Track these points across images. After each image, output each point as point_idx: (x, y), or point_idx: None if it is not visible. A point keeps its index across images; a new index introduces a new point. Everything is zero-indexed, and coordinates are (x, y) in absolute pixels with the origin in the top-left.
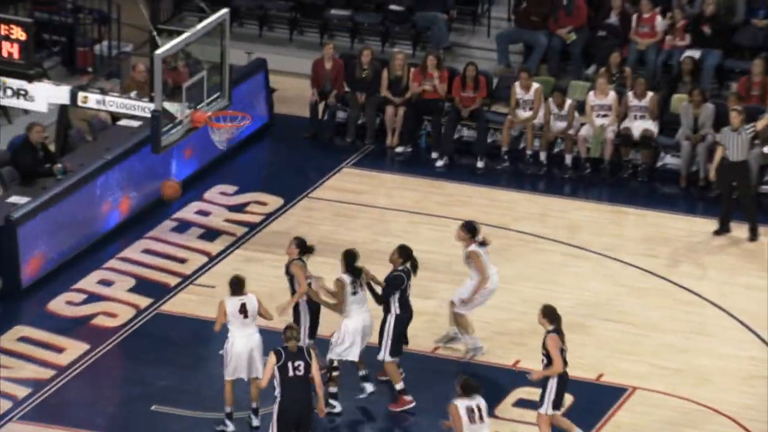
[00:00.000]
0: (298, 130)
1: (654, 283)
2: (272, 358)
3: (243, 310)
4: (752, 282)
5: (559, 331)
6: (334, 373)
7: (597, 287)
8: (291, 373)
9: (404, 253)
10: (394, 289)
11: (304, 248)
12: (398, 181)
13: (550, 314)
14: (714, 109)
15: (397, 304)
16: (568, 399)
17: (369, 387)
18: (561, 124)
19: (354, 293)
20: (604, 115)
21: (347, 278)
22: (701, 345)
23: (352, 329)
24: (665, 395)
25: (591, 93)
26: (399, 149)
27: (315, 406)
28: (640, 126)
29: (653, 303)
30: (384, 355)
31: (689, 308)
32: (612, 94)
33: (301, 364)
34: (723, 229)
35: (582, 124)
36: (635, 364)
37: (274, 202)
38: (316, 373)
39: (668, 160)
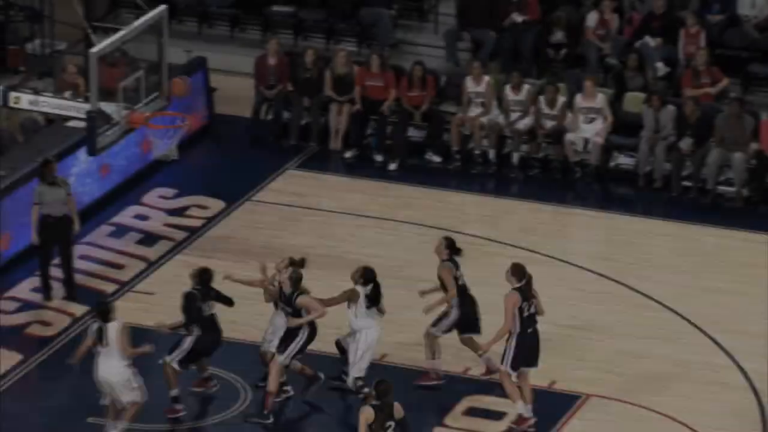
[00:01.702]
0: (239, 131)
1: (610, 287)
2: None
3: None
4: (712, 285)
5: (522, 290)
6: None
7: (551, 292)
8: None
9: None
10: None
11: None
12: (343, 183)
13: (518, 272)
14: (675, 111)
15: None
16: None
17: None
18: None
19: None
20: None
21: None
22: (659, 350)
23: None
24: (619, 402)
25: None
26: (347, 154)
27: None
28: (591, 129)
29: (609, 308)
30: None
31: (646, 313)
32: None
33: None
34: None
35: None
36: (590, 371)
37: (215, 205)
38: None
39: (622, 159)
